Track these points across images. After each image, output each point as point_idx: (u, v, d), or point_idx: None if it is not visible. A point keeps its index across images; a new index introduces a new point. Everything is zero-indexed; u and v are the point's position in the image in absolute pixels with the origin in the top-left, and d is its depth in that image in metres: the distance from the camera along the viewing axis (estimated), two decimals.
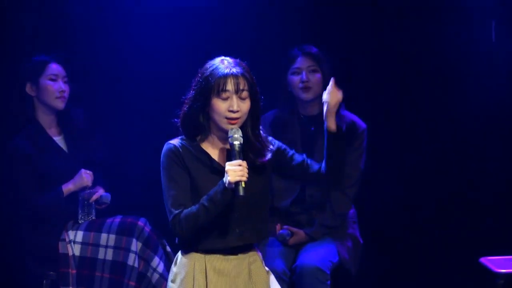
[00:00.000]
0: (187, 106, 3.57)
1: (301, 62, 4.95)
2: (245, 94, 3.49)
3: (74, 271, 4.80)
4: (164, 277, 4.72)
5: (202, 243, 3.62)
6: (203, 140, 3.62)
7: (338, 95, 3.74)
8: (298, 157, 3.69)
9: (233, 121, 3.48)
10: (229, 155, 3.48)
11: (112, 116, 5.64)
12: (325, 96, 3.74)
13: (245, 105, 3.50)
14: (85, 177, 4.94)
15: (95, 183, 5.05)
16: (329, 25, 5.85)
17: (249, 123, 3.53)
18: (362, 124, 5.06)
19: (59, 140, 4.98)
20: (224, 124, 3.51)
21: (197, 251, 3.63)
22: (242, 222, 3.61)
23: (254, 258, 3.69)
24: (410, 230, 6.03)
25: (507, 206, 5.72)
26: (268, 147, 3.64)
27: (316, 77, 4.88)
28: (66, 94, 4.96)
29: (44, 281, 4.81)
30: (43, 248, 4.87)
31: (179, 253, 3.67)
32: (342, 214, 4.87)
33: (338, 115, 3.86)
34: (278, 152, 3.68)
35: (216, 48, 5.57)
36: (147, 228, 4.77)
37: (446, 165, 6.14)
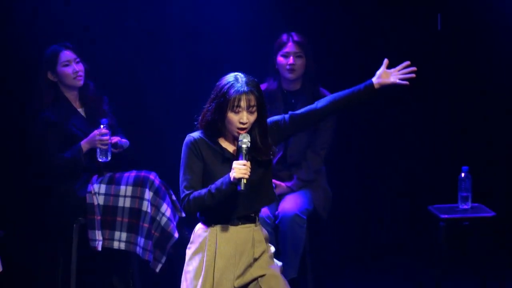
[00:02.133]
0: (209, 115, 3.77)
1: (290, 48, 5.21)
2: (253, 108, 3.72)
3: (99, 217, 5.10)
4: (170, 220, 5.06)
5: (216, 216, 3.82)
6: (218, 136, 3.83)
7: (388, 71, 3.98)
8: (287, 118, 3.91)
9: (241, 131, 3.71)
10: (238, 152, 3.73)
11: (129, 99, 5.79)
12: (385, 72, 3.99)
13: (253, 117, 3.72)
14: (97, 131, 5.13)
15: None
16: (316, 13, 6.11)
17: (257, 129, 3.76)
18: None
19: (81, 111, 5.26)
20: (235, 132, 3.74)
21: (210, 224, 3.85)
22: (249, 197, 3.82)
23: (257, 229, 3.90)
24: (369, 186, 6.44)
25: (451, 161, 5.99)
26: (271, 149, 3.83)
27: (301, 61, 5.19)
28: (81, 73, 5.20)
29: (74, 225, 5.17)
30: (74, 199, 5.16)
31: (197, 225, 3.92)
32: (315, 170, 5.25)
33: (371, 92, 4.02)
34: (278, 128, 3.92)
35: (219, 33, 5.95)
36: (157, 181, 5.05)
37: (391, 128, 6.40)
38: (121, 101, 5.68)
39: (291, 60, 5.13)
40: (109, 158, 5.09)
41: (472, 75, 6.33)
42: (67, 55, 5.18)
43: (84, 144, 5.12)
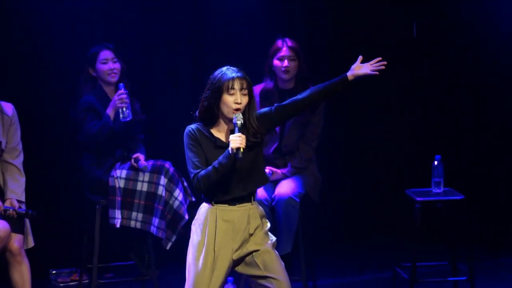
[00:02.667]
0: (205, 102, 3.86)
1: (285, 52, 5.26)
2: (245, 91, 3.84)
3: (119, 198, 5.21)
4: (182, 203, 5.17)
5: (217, 196, 3.91)
6: (212, 126, 3.91)
7: (362, 65, 4.02)
8: (273, 109, 3.98)
9: (236, 111, 3.82)
10: (232, 132, 3.80)
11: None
12: (359, 65, 3.99)
13: (245, 99, 3.84)
14: (116, 94, 5.20)
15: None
16: (307, 23, 6.40)
17: (247, 112, 3.87)
18: None
19: (111, 111, 5.31)
20: (230, 113, 3.82)
21: (212, 203, 3.92)
22: (243, 179, 3.91)
23: (253, 208, 3.98)
24: (354, 173, 6.74)
25: (425, 150, 6.05)
26: (261, 130, 3.92)
27: (294, 63, 5.24)
28: (116, 71, 5.30)
29: (97, 207, 5.28)
30: (98, 183, 5.29)
31: (202, 204, 4.00)
32: (307, 159, 5.34)
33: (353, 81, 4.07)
34: (266, 118, 3.98)
35: (222, 40, 6.19)
36: (171, 169, 5.19)
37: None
38: (142, 100, 5.73)
39: (285, 63, 5.21)
40: (131, 117, 5.17)
41: (443, 75, 6.59)
42: (106, 54, 5.31)
43: (110, 111, 5.22)
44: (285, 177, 5.29)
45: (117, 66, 5.29)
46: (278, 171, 5.28)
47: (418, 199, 5.17)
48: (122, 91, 5.17)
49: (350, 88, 4.02)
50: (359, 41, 6.21)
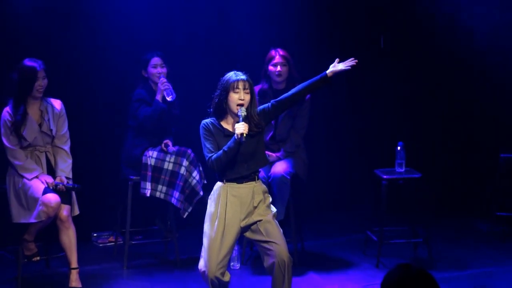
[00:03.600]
0: (216, 98, 3.96)
1: (277, 59, 5.32)
2: (247, 90, 3.93)
3: (150, 173, 5.30)
4: (198, 182, 5.22)
5: (227, 175, 3.99)
6: (221, 120, 3.99)
7: (338, 64, 4.03)
8: (270, 105, 4.03)
9: (240, 106, 3.91)
10: (238, 119, 3.90)
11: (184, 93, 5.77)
12: (336, 65, 3.98)
13: (248, 96, 3.93)
14: (159, 84, 5.21)
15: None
16: (294, 36, 6.38)
17: (250, 108, 3.96)
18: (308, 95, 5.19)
19: (160, 97, 5.33)
20: (235, 108, 3.91)
21: (224, 182, 4.00)
22: (248, 161, 3.97)
23: (257, 185, 4.03)
24: (334, 156, 6.77)
25: (390, 137, 6.04)
26: (261, 122, 3.96)
27: (285, 68, 5.30)
28: (163, 74, 5.36)
29: (129, 182, 5.41)
30: (135, 159, 5.38)
31: (216, 183, 4.07)
32: (296, 145, 5.41)
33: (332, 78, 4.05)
34: (265, 113, 4.04)
35: (229, 51, 6.23)
36: (192, 154, 5.29)
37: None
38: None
39: (278, 68, 5.27)
40: (174, 96, 5.23)
41: (405, 77, 6.64)
42: (156, 60, 5.38)
43: (158, 97, 5.29)
44: (278, 159, 5.37)
45: (164, 70, 5.37)
46: (273, 154, 5.38)
47: (385, 177, 5.34)
48: (163, 79, 5.27)
49: (330, 83, 4.08)
50: (338, 50, 6.07)
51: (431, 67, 6.59)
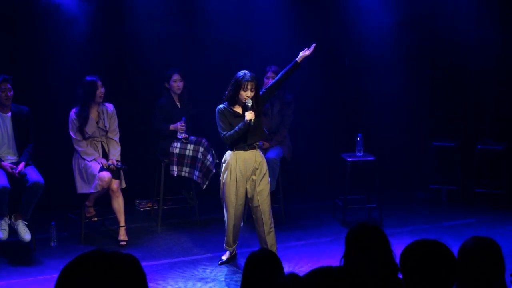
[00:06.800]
0: (229, 92, 4.25)
1: (270, 74, 5.47)
2: (253, 89, 4.23)
3: (176, 159, 5.57)
4: (211, 163, 5.52)
5: (236, 145, 4.32)
6: (233, 105, 4.30)
7: (309, 51, 4.25)
8: (264, 90, 4.20)
9: (248, 98, 4.16)
10: (245, 109, 4.22)
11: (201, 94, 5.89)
12: (306, 51, 4.17)
13: (253, 93, 4.22)
14: (179, 123, 5.35)
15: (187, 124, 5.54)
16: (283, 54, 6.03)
17: (254, 99, 4.21)
18: (290, 96, 5.66)
19: (180, 105, 5.56)
20: (244, 100, 4.24)
21: (232, 150, 4.35)
22: (251, 134, 4.26)
23: (257, 152, 4.35)
24: (311, 143, 6.62)
25: (352, 130, 6.08)
26: (261, 109, 4.24)
27: (275, 75, 5.23)
28: (181, 87, 5.61)
29: (162, 163, 5.60)
30: (164, 149, 5.62)
31: (226, 152, 4.34)
32: (284, 136, 5.71)
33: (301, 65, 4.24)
34: (261, 98, 4.27)
35: (242, 56, 5.97)
36: (206, 142, 5.58)
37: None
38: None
39: (270, 80, 5.43)
40: (184, 136, 5.45)
41: (364, 85, 6.64)
42: (176, 76, 5.62)
43: (171, 127, 5.52)
44: (270, 146, 5.69)
45: (182, 84, 5.66)
46: (266, 143, 5.62)
47: (349, 159, 5.70)
48: (183, 124, 5.39)
49: (300, 67, 4.26)
50: (314, 67, 6.29)
51: (385, 75, 6.70)
